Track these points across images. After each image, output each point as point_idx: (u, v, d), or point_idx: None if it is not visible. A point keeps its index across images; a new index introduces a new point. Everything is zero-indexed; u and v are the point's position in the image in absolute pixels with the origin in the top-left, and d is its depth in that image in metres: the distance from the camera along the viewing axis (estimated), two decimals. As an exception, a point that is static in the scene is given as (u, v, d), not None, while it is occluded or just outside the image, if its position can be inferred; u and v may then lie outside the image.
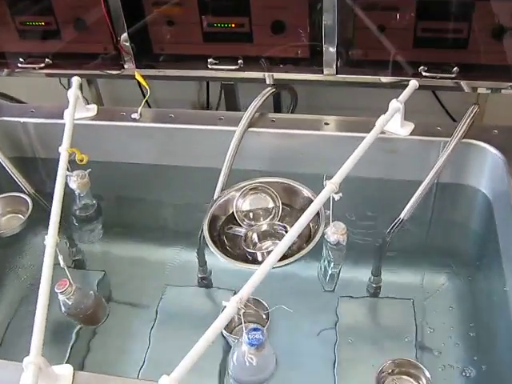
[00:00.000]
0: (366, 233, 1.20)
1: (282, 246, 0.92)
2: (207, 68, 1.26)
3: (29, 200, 1.27)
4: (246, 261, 1.16)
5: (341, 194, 0.99)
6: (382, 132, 1.14)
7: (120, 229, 1.30)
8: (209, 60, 1.26)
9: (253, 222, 1.22)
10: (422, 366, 0.94)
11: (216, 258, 1.18)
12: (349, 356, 1.02)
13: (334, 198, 1.00)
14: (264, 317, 1.02)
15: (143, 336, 1.08)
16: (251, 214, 1.23)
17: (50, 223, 0.99)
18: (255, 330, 0.88)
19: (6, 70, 1.41)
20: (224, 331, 1.01)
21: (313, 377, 1.00)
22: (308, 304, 1.10)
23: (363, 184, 1.21)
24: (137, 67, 1.30)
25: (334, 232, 1.08)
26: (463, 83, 1.20)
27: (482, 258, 1.16)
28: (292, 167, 1.26)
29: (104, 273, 1.20)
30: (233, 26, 1.24)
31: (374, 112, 1.19)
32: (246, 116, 1.22)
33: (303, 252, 1.11)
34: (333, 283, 1.13)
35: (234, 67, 1.25)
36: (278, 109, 1.55)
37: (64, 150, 1.12)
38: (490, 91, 1.22)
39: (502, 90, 1.21)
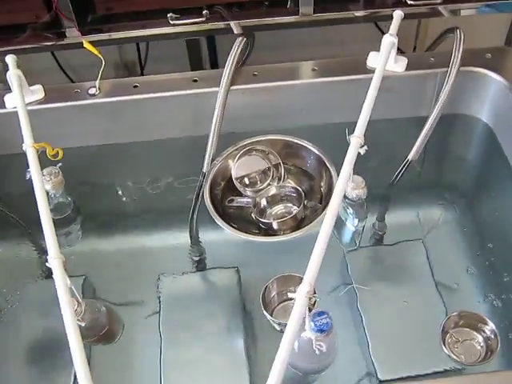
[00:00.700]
0: (369, 178, 1.12)
1: (329, 219, 0.81)
2: (169, 24, 1.09)
3: None
4: (259, 231, 1.06)
5: (366, 147, 0.91)
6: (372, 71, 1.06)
7: (99, 223, 1.13)
8: (168, 15, 1.09)
9: (256, 187, 1.10)
10: (486, 318, 0.91)
11: (208, 235, 1.08)
12: (373, 310, 0.96)
13: (359, 153, 0.92)
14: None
15: (151, 340, 0.95)
16: (252, 180, 1.11)
17: (46, 240, 0.82)
18: (320, 314, 0.79)
19: None
20: (268, 315, 0.93)
21: (341, 337, 0.92)
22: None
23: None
24: (82, 34, 1.10)
25: (354, 187, 0.99)
26: (442, 8, 1.14)
27: (495, 187, 1.14)
28: (286, 123, 1.14)
29: (85, 277, 1.04)
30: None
31: (340, 45, 1.11)
32: (226, 73, 1.07)
33: (321, 217, 1.02)
34: (357, 240, 1.06)
35: (199, 19, 1.09)
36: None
37: (30, 147, 0.93)
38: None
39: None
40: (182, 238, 1.08)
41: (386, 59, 1.03)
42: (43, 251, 1.09)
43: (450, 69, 1.07)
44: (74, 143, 1.13)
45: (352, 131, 0.91)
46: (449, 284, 0.99)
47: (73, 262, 1.07)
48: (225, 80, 1.07)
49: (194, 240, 1.08)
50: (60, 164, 1.00)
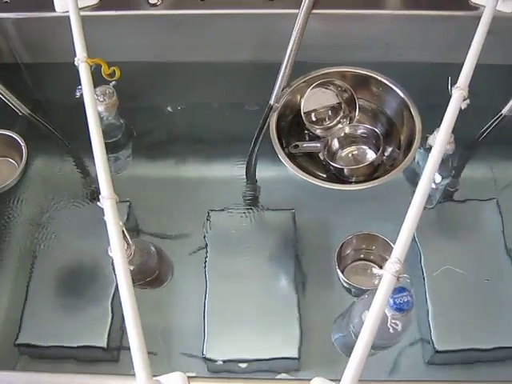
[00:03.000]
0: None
1: (422, 191, 0.71)
2: None
3: (18, 138, 0.98)
4: (326, 174, 0.96)
5: (468, 101, 0.79)
6: (475, 8, 0.92)
7: (150, 149, 1.03)
8: None
9: (324, 125, 1.00)
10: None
11: (267, 172, 1.00)
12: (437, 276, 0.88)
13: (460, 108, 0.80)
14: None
15: (197, 279, 0.89)
16: (319, 116, 1.00)
17: (99, 176, 0.72)
18: (400, 290, 0.70)
19: None
20: (341, 274, 0.85)
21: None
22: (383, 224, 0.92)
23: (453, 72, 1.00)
24: None
25: (442, 141, 0.88)
26: None
27: None
28: (367, 56, 1.01)
29: (129, 204, 0.96)
30: None
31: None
32: None
33: (402, 166, 0.91)
34: (435, 199, 0.96)
35: None
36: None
37: (83, 62, 0.81)
38: None
39: None
40: (238, 171, 1.00)
41: (496, -4, 0.88)
42: (84, 171, 1.02)
43: None
44: (126, 57, 1.00)
45: (443, 76, 0.79)
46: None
47: (117, 189, 1.00)
48: (306, 2, 0.92)
49: (251, 176, 1.00)
50: (114, 83, 0.90)
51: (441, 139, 0.75)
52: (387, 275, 0.65)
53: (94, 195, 0.98)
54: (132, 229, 0.95)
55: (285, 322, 0.86)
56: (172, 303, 0.89)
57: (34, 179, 0.99)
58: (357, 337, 0.80)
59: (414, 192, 0.95)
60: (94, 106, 0.77)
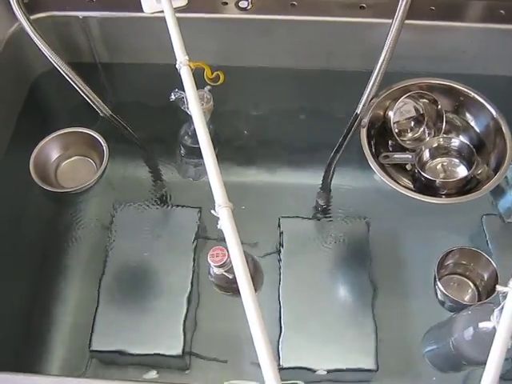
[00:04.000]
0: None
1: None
2: None
3: (100, 138, 0.96)
4: (413, 182, 0.95)
5: None
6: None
7: (229, 154, 1.01)
8: None
9: (407, 136, 0.99)
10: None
11: (346, 181, 0.98)
12: None
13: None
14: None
15: (268, 287, 0.88)
16: (402, 127, 0.99)
17: (212, 185, 0.71)
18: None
19: None
20: (440, 285, 0.83)
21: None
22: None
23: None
24: None
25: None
26: None
27: None
28: (449, 68, 1.00)
29: (200, 209, 0.95)
30: None
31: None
32: (403, 4, 0.89)
33: (494, 182, 0.89)
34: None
35: None
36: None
37: (185, 65, 0.78)
38: None
39: None
40: (312, 179, 1.00)
41: None
42: (157, 176, 1.01)
43: None
44: (208, 60, 0.92)
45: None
46: None
47: (193, 196, 0.99)
48: (400, 13, 0.90)
49: (327, 184, 0.99)
50: (209, 87, 0.87)
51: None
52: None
53: (167, 200, 0.98)
54: (203, 235, 0.94)
55: (361, 333, 0.85)
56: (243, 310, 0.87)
57: (109, 181, 0.97)
58: (458, 351, 0.80)
59: (496, 205, 0.98)
60: (201, 111, 0.75)
